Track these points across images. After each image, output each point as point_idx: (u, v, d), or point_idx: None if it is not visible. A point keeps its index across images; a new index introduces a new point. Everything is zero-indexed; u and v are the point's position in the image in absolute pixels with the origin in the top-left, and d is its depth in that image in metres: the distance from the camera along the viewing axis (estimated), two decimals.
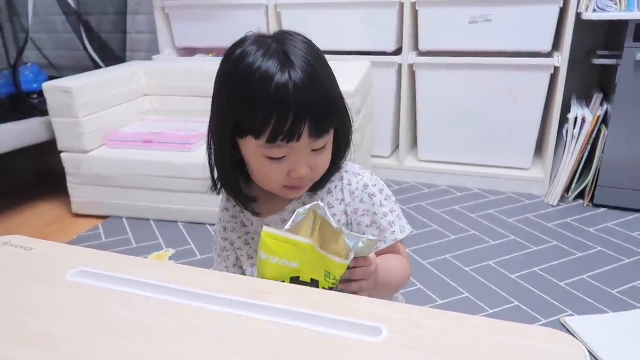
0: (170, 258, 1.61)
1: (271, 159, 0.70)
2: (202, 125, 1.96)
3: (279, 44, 0.69)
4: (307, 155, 0.71)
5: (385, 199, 0.80)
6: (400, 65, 2.08)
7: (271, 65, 0.66)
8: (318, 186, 0.79)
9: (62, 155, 1.89)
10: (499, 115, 2.01)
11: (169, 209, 1.86)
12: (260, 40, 0.70)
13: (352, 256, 0.65)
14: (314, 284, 0.65)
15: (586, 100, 2.02)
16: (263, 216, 0.80)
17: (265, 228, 0.63)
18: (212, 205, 1.83)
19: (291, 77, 0.66)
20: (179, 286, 0.56)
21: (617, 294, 1.37)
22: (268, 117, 0.66)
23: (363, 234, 0.82)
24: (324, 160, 0.74)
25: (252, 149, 0.70)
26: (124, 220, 1.90)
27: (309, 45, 0.71)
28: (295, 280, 0.65)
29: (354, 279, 0.68)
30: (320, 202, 0.64)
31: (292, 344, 0.48)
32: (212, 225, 1.82)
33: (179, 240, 1.74)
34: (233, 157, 0.74)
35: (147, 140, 1.88)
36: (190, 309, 0.52)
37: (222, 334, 0.48)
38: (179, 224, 1.86)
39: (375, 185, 0.80)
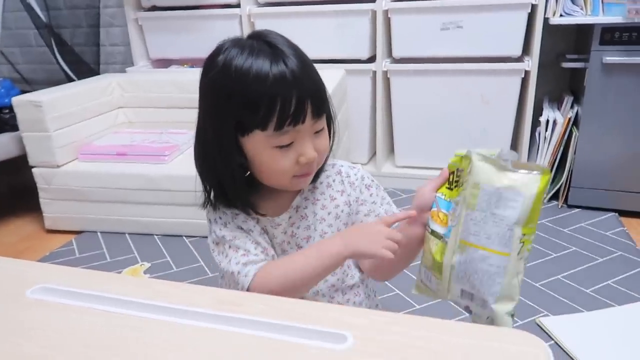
0: (146, 272, 1.59)
1: (280, 147, 0.72)
2: (177, 136, 1.95)
3: (260, 41, 0.72)
4: (311, 138, 0.74)
5: (377, 189, 0.86)
6: (374, 72, 2.09)
7: (262, 60, 0.69)
8: (316, 177, 0.82)
9: (33, 170, 1.85)
10: (473, 120, 2.03)
11: (144, 221, 1.83)
12: (239, 42, 0.72)
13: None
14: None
15: (557, 102, 2.06)
16: (269, 216, 0.82)
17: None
18: (188, 217, 1.83)
19: (286, 65, 0.69)
20: (145, 300, 0.55)
21: (591, 293, 1.39)
22: (272, 106, 0.68)
23: (360, 222, 0.86)
24: (325, 141, 0.77)
25: (260, 142, 0.72)
26: (99, 234, 1.87)
27: (286, 38, 0.75)
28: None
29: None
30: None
31: (256, 355, 0.47)
32: (188, 237, 1.80)
33: (155, 253, 1.71)
34: (239, 161, 0.75)
35: (120, 152, 1.86)
36: (156, 323, 0.51)
37: (189, 348, 0.48)
38: (155, 236, 1.83)
39: (369, 177, 0.87)
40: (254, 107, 0.69)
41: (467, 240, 0.65)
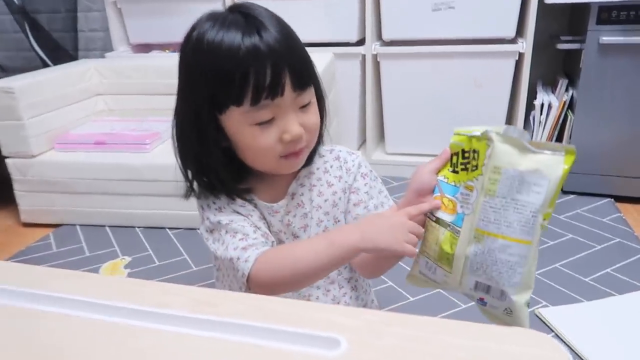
0: (126, 266, 1.51)
1: (260, 125, 0.67)
2: (159, 124, 1.86)
3: (236, 13, 0.68)
4: (295, 113, 0.68)
5: (374, 180, 0.82)
6: (363, 56, 2.02)
7: (234, 32, 0.65)
8: (310, 159, 0.78)
9: (7, 161, 1.76)
10: (466, 104, 1.97)
11: (124, 213, 1.75)
12: (214, 16, 0.69)
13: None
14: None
15: (551, 86, 2.01)
16: (267, 202, 0.77)
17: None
18: (171, 208, 1.75)
19: (261, 36, 0.65)
20: (109, 301, 0.49)
21: (590, 282, 1.34)
22: (245, 79, 0.64)
23: (348, 212, 0.81)
24: (314, 116, 0.72)
25: (238, 120, 0.67)
26: (77, 227, 1.79)
27: (268, 10, 0.70)
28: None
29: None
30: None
31: None
32: (171, 229, 1.73)
33: (136, 246, 1.64)
34: (219, 143, 0.70)
35: (99, 141, 1.77)
36: (122, 328, 0.45)
37: (157, 356, 0.41)
38: (136, 229, 1.75)
39: (367, 166, 0.82)
40: (226, 82, 0.64)
41: (484, 230, 0.60)
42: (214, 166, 0.71)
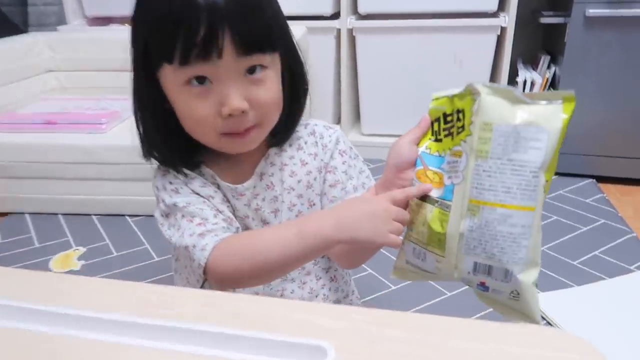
0: (80, 258, 1.37)
1: (194, 91, 0.58)
2: (118, 102, 1.71)
3: None
4: (239, 82, 0.58)
5: (354, 158, 0.74)
6: (338, 31, 1.90)
7: None
8: (283, 138, 0.69)
9: None
10: (445, 82, 1.86)
11: (79, 200, 1.60)
12: None
13: None
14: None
15: (531, 64, 1.94)
16: (231, 183, 0.68)
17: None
18: (131, 193, 1.61)
19: None
20: (39, 305, 0.39)
21: (578, 265, 1.28)
22: (176, 28, 0.55)
23: (324, 194, 0.72)
24: (268, 92, 0.61)
25: (170, 80, 0.59)
26: (26, 216, 1.63)
27: None
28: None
29: None
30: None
31: None
32: (131, 216, 1.59)
33: (92, 235, 1.50)
34: (161, 103, 0.62)
35: (50, 121, 1.61)
36: (52, 339, 0.35)
37: None
38: (92, 217, 1.60)
39: (346, 142, 0.74)
40: (157, 33, 0.57)
41: (479, 199, 0.53)
42: (161, 131, 0.63)
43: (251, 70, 0.59)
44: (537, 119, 0.51)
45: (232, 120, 0.59)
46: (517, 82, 1.76)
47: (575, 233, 1.43)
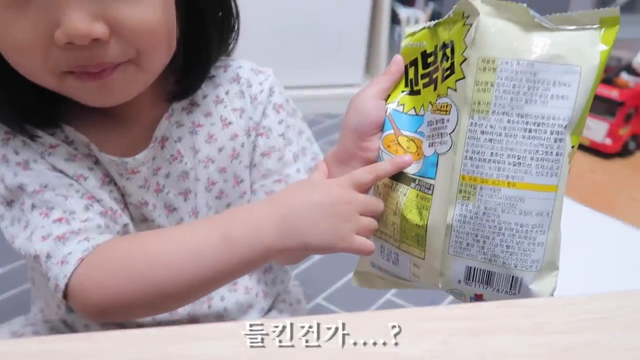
0: None
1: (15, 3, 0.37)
2: None
3: None
4: None
5: (292, 115, 0.56)
6: None
7: None
8: (192, 85, 0.49)
9: None
10: (325, 26, 1.76)
11: None
12: None
13: None
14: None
15: (408, 4, 1.88)
16: (116, 155, 0.46)
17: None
18: None
19: None
20: None
21: None
22: None
23: (254, 166, 0.54)
24: (143, 10, 0.39)
25: None
26: None
27: None
28: None
29: None
30: None
31: None
32: None
33: None
34: None
35: None
36: None
37: None
38: None
39: (281, 92, 0.55)
40: None
41: (476, 175, 0.38)
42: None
43: None
44: (563, 52, 0.36)
45: (77, 52, 0.38)
46: (399, 20, 1.68)
47: None
